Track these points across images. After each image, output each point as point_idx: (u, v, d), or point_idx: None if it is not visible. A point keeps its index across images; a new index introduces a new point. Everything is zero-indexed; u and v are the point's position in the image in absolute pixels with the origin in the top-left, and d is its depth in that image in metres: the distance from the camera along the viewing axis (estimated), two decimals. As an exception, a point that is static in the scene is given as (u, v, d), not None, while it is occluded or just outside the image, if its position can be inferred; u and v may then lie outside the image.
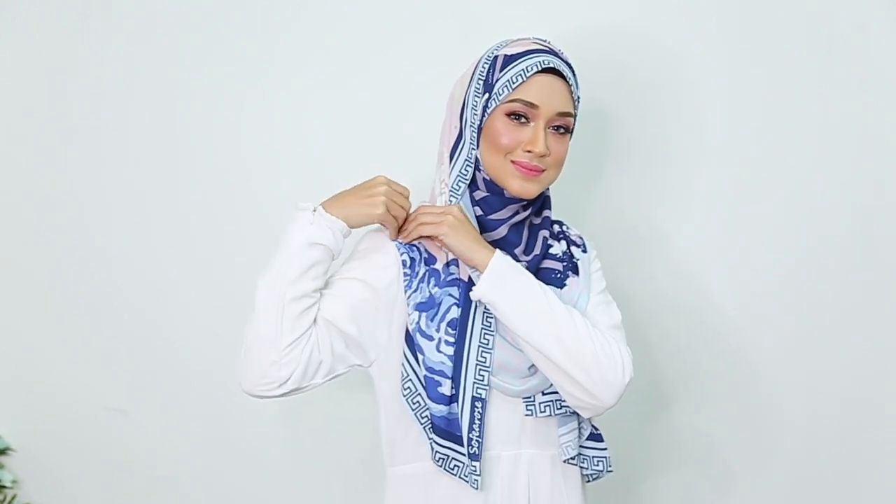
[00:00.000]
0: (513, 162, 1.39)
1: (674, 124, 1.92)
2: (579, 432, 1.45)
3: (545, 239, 1.46)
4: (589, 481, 1.49)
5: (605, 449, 1.49)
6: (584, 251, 1.51)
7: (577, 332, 1.36)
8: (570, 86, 1.41)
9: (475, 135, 1.42)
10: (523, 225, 1.45)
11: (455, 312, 1.40)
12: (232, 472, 2.06)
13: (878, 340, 1.90)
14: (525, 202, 1.44)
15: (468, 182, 1.43)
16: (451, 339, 1.39)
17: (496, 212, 1.43)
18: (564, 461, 1.43)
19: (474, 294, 1.36)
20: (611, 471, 1.48)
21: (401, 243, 1.42)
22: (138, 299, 2.06)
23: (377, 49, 1.96)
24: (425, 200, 1.49)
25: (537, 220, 1.48)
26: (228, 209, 2.03)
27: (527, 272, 1.39)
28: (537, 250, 1.44)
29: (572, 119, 1.42)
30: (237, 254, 2.02)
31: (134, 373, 2.07)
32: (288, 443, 2.04)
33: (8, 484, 2.09)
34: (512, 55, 1.40)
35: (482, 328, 1.39)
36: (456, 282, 1.41)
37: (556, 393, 1.40)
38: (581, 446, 1.46)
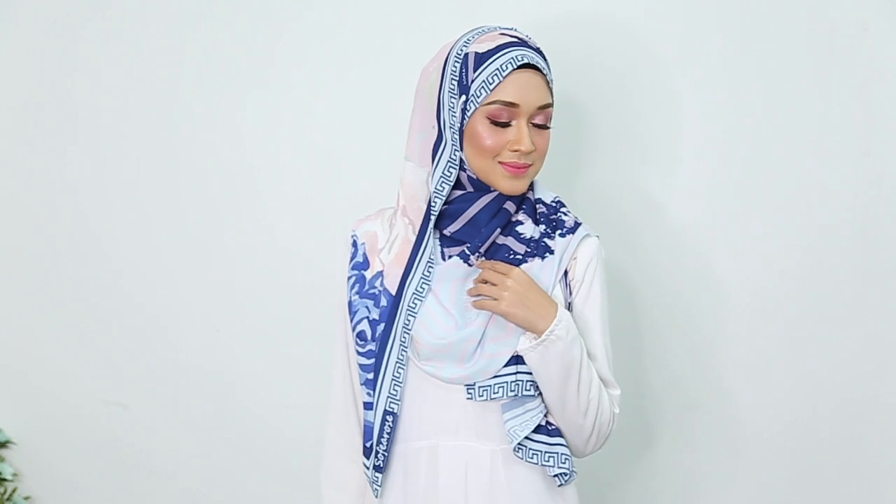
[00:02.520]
0: (501, 163, 1.37)
1: (671, 121, 1.92)
2: (529, 421, 1.37)
3: (509, 213, 1.40)
4: (560, 484, 1.38)
5: (559, 444, 1.39)
6: (564, 235, 1.42)
7: (599, 414, 1.39)
8: (545, 76, 1.38)
9: (457, 137, 1.39)
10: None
11: (365, 325, 1.42)
12: (231, 467, 2.07)
13: (878, 336, 1.90)
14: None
15: (452, 184, 1.39)
16: (360, 350, 1.43)
17: (475, 203, 1.41)
18: (514, 451, 1.36)
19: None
20: (573, 471, 1.39)
21: (356, 240, 1.50)
22: (139, 295, 2.07)
23: (379, 47, 1.96)
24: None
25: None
26: (228, 206, 2.03)
27: (578, 341, 1.37)
28: (497, 222, 1.39)
29: (552, 109, 1.39)
30: (238, 250, 2.03)
31: (134, 368, 2.08)
32: (287, 437, 2.04)
33: (8, 477, 2.10)
34: (484, 53, 1.36)
35: (400, 344, 1.39)
36: (374, 296, 1.42)
37: (503, 377, 1.36)
38: (528, 438, 1.37)
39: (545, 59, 1.39)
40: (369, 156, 1.97)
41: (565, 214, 1.44)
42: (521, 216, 1.41)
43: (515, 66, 1.34)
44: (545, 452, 1.37)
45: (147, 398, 2.09)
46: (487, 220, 1.39)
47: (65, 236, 2.09)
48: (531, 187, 1.45)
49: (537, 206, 1.44)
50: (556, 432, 1.39)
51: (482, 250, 1.38)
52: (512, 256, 1.39)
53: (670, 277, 1.92)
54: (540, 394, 1.38)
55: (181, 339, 2.07)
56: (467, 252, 1.39)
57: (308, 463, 2.03)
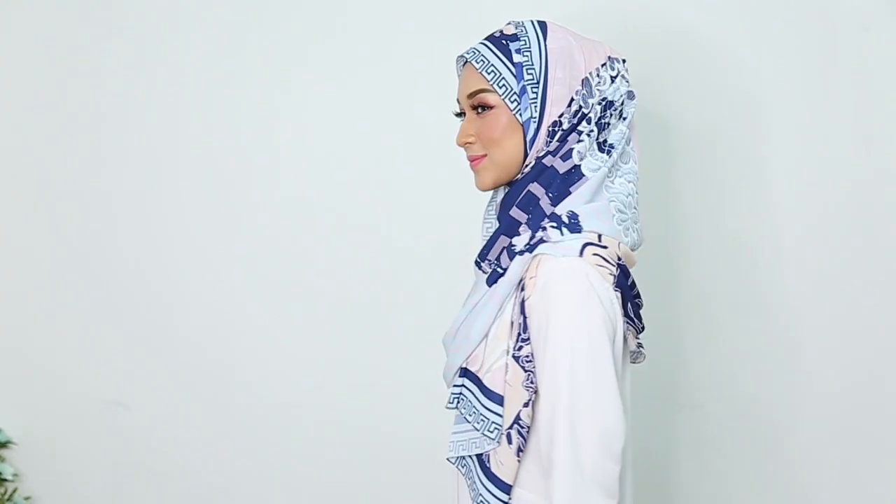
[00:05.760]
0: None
1: (671, 122, 1.92)
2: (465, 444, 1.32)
3: (511, 220, 1.33)
4: None
5: (494, 496, 1.28)
6: (522, 253, 1.30)
7: None
8: (475, 65, 1.35)
9: None
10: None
11: None
12: (232, 467, 2.07)
13: (879, 334, 1.89)
14: (505, 193, 1.38)
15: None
16: None
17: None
18: (448, 460, 1.34)
19: None
20: None
21: None
22: (139, 294, 2.07)
23: (377, 45, 1.96)
24: None
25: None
26: (229, 206, 2.03)
27: None
28: (501, 229, 1.34)
29: (486, 94, 1.33)
30: (239, 250, 2.03)
31: (136, 367, 2.08)
32: (289, 437, 2.04)
33: (9, 477, 2.10)
34: None
35: None
36: None
37: (455, 387, 1.33)
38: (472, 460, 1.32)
39: (492, 45, 1.36)
40: (370, 155, 1.97)
41: (543, 229, 1.30)
42: (521, 227, 1.33)
43: (456, 64, 1.41)
44: (477, 483, 1.31)
45: (148, 398, 2.09)
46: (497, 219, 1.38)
47: (65, 237, 2.09)
48: (542, 181, 1.34)
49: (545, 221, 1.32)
50: (503, 486, 1.28)
51: (489, 258, 1.34)
52: (494, 272, 1.34)
53: (669, 278, 1.93)
54: (486, 434, 1.30)
55: (182, 339, 2.07)
56: (478, 259, 1.36)
57: (309, 463, 2.04)
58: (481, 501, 1.29)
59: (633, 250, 1.36)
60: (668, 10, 1.89)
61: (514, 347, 1.27)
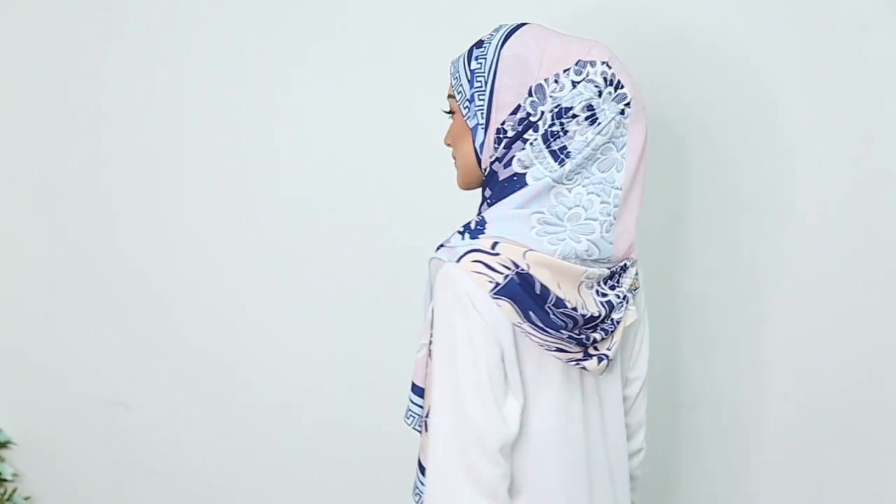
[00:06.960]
0: None
1: (666, 120, 1.92)
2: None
3: None
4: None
5: (419, 481, 1.38)
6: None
7: None
8: (449, 71, 1.41)
9: None
10: None
11: None
12: (232, 467, 2.07)
13: (880, 335, 1.90)
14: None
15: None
16: None
17: None
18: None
19: None
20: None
21: None
22: (141, 294, 2.07)
23: (377, 45, 1.96)
24: None
25: None
26: (228, 206, 2.03)
27: None
28: None
29: (451, 99, 1.39)
30: (239, 250, 2.03)
31: (136, 367, 2.08)
32: (289, 437, 2.05)
33: (8, 477, 2.10)
34: None
35: None
36: None
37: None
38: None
39: (465, 52, 1.38)
40: (368, 154, 1.97)
41: (452, 235, 1.33)
42: None
43: None
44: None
45: (148, 398, 2.09)
46: None
47: (65, 237, 2.09)
48: (490, 186, 1.34)
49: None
50: (424, 471, 1.34)
51: None
52: None
53: (669, 278, 1.92)
54: (405, 420, 1.42)
55: (182, 339, 2.07)
56: None
57: (309, 463, 2.04)
58: (415, 484, 1.39)
59: (579, 261, 1.29)
60: (668, 10, 1.89)
61: (429, 342, 1.32)
